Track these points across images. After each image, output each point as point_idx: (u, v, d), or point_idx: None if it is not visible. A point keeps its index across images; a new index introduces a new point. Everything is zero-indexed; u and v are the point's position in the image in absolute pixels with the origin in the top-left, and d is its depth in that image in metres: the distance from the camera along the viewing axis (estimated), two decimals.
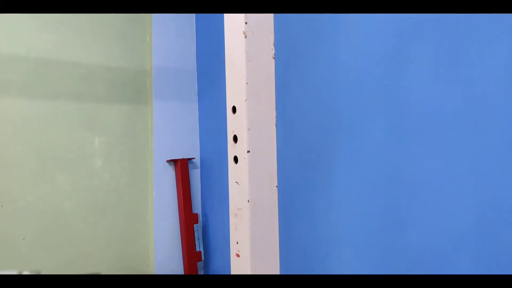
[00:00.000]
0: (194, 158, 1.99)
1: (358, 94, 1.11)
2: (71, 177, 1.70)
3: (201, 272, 1.97)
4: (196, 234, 1.90)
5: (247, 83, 1.37)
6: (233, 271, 1.48)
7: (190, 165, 1.97)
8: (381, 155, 1.05)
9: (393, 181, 1.01)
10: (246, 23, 1.37)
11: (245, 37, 1.37)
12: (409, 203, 0.98)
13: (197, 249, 1.90)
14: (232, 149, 1.45)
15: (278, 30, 1.43)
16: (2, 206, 1.54)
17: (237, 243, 1.44)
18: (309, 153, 1.29)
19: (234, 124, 1.43)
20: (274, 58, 1.44)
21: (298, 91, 1.34)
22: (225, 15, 1.48)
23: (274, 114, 1.44)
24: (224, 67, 1.50)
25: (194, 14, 2.04)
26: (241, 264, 1.42)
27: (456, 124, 0.87)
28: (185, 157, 1.95)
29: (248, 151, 1.37)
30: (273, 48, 1.44)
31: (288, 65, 1.38)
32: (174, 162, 1.93)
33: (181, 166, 1.91)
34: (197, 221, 1.91)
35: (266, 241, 1.41)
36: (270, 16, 1.44)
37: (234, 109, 1.43)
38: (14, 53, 1.60)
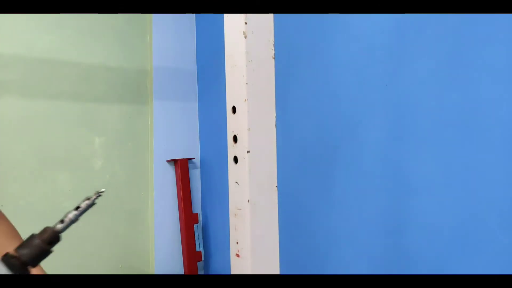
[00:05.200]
0: (194, 158, 1.99)
1: (358, 94, 1.11)
2: (71, 177, 1.70)
3: (201, 272, 1.97)
4: (196, 234, 1.90)
5: (247, 83, 1.37)
6: (233, 271, 1.48)
7: (190, 165, 1.97)
8: (381, 155, 1.05)
9: (393, 181, 1.01)
10: (246, 23, 1.37)
11: (245, 37, 1.37)
12: (409, 203, 0.98)
13: (197, 249, 1.90)
14: (232, 149, 1.45)
15: (278, 30, 1.43)
16: (2, 206, 1.54)
17: (237, 243, 1.44)
18: (309, 153, 1.29)
19: (234, 124, 1.43)
20: (274, 58, 1.44)
21: (298, 91, 1.34)
22: (225, 15, 1.48)
23: (274, 114, 1.44)
24: (224, 67, 1.50)
25: (194, 14, 2.04)
26: (241, 264, 1.42)
27: (456, 125, 0.87)
28: (185, 157, 1.95)
29: (248, 151, 1.37)
30: (273, 48, 1.44)
31: (288, 65, 1.38)
32: (174, 162, 1.93)
33: (181, 166, 1.91)
34: (197, 221, 1.91)
35: (266, 241, 1.41)
36: (270, 16, 1.44)
37: (234, 109, 1.44)
38: (14, 53, 1.60)
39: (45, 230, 0.79)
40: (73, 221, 0.80)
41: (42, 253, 0.76)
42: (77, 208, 0.80)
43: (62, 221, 0.79)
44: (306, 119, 1.30)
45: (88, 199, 0.80)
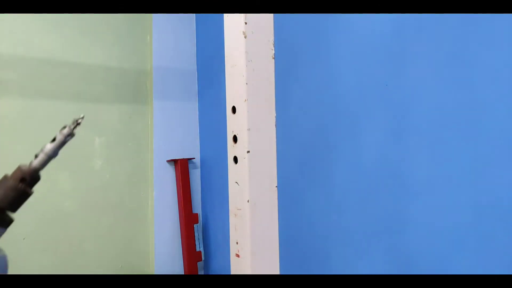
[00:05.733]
0: (194, 158, 1.99)
1: (358, 94, 1.11)
2: (71, 177, 1.70)
3: (201, 272, 1.97)
4: (196, 234, 1.90)
5: (247, 83, 1.37)
6: (233, 271, 1.48)
7: (190, 165, 1.97)
8: (381, 155, 1.05)
9: (393, 181, 1.01)
10: (246, 23, 1.37)
11: (245, 37, 1.37)
12: (409, 203, 0.98)
13: (197, 249, 1.90)
14: (232, 149, 1.45)
15: (278, 30, 1.43)
16: None
17: (237, 243, 1.44)
18: (309, 153, 1.29)
19: (234, 124, 1.43)
20: (274, 58, 1.44)
21: (298, 91, 1.34)
22: (225, 15, 1.48)
23: (274, 114, 1.44)
24: (224, 67, 1.50)
25: (194, 14, 2.04)
26: (241, 264, 1.42)
27: (456, 124, 0.87)
28: (185, 157, 1.95)
29: (248, 151, 1.37)
30: (273, 48, 1.44)
31: (288, 65, 1.38)
32: (174, 162, 1.93)
33: (181, 166, 1.91)
34: (197, 221, 1.91)
35: (266, 241, 1.41)
36: (270, 16, 1.44)
37: (234, 109, 1.43)
38: (14, 53, 1.60)
39: (19, 168, 0.66)
40: (51, 156, 0.67)
41: (19, 194, 0.64)
42: (53, 140, 0.67)
43: (36, 156, 0.67)
44: (306, 119, 1.30)
45: (65, 127, 0.67)
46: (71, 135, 0.68)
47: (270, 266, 1.41)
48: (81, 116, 0.68)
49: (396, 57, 1.01)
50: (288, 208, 1.39)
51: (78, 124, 0.68)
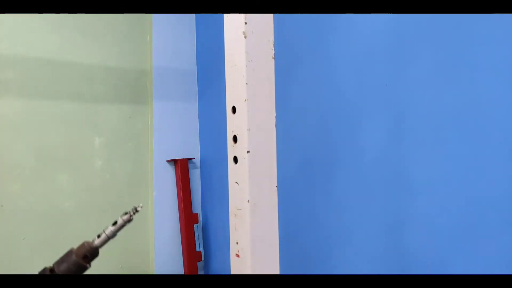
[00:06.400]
0: (194, 158, 1.99)
1: (358, 94, 1.11)
2: (71, 177, 1.70)
3: (201, 272, 1.97)
4: (196, 234, 1.90)
5: (247, 83, 1.37)
6: (233, 271, 1.48)
7: (190, 165, 1.97)
8: (381, 155, 1.05)
9: (393, 181, 1.01)
10: (246, 23, 1.37)
11: (245, 37, 1.37)
12: (409, 203, 0.98)
13: (197, 249, 1.90)
14: (232, 149, 1.45)
15: (278, 30, 1.43)
16: (2, 206, 1.54)
17: (237, 243, 1.44)
18: (309, 153, 1.29)
19: (234, 124, 1.43)
20: (274, 58, 1.44)
21: (298, 91, 1.34)
22: (225, 15, 1.48)
23: (274, 114, 1.44)
24: (224, 67, 1.50)
25: (194, 14, 2.04)
26: (241, 264, 1.42)
27: (456, 124, 0.87)
28: (185, 157, 1.95)
29: (248, 151, 1.37)
30: (273, 48, 1.44)
31: (288, 65, 1.38)
32: (174, 162, 1.93)
33: (181, 166, 1.91)
34: (197, 221, 1.91)
35: (266, 241, 1.41)
36: (270, 16, 1.44)
37: (234, 109, 1.44)
38: (14, 53, 1.60)
39: (83, 245, 0.82)
40: (110, 236, 0.83)
41: (79, 269, 0.79)
42: (115, 223, 0.84)
43: (99, 236, 0.83)
44: (306, 119, 1.30)
45: (126, 214, 0.84)
46: (130, 220, 0.84)
47: (270, 266, 1.41)
48: (140, 205, 0.85)
49: (396, 57, 1.01)
50: (288, 208, 1.39)
51: (137, 211, 0.84)
